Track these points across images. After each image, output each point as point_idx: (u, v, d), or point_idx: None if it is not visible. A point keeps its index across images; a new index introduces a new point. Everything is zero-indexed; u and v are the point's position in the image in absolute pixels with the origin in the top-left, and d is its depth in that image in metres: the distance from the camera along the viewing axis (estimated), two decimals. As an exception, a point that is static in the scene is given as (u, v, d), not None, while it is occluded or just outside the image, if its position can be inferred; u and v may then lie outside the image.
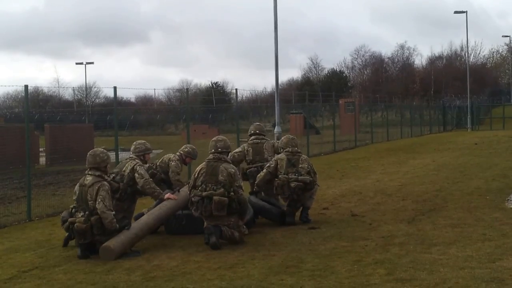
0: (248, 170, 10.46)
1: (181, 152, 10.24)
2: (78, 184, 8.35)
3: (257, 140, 10.66)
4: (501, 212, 9.76)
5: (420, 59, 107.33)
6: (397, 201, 11.51)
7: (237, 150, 10.75)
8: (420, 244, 7.73)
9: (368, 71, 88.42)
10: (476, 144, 26.13)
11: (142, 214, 9.12)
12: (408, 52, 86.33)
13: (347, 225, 9.40)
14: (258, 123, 11.27)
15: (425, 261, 6.85)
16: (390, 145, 30.24)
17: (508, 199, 10.92)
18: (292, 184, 9.55)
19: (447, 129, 50.61)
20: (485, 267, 6.44)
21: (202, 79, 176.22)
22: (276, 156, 10.04)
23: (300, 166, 9.77)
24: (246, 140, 11.00)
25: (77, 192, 8.25)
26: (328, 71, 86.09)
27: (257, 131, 10.77)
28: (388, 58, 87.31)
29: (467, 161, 18.39)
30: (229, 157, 10.37)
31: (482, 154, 20.76)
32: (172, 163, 9.94)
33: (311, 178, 9.74)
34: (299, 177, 9.62)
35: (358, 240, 8.23)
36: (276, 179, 9.71)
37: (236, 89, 23.44)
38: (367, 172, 17.06)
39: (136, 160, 9.26)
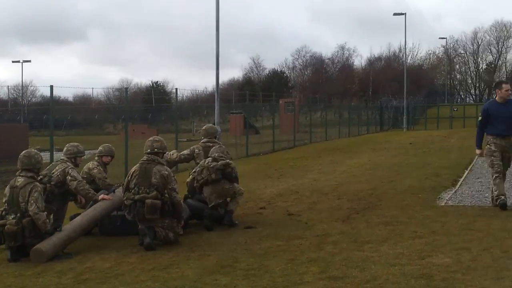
0: None
1: (96, 156, 10.24)
2: (8, 186, 8.15)
3: (210, 143, 10.53)
4: (433, 210, 10.00)
5: (359, 60, 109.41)
6: (333, 200, 11.65)
7: (185, 152, 10.55)
8: (353, 242, 7.85)
9: (308, 71, 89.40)
10: (411, 143, 26.71)
11: (78, 215, 8.98)
12: (348, 53, 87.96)
13: (283, 224, 9.45)
14: (211, 125, 11.23)
15: (357, 258, 6.95)
16: (328, 145, 30.60)
17: (439, 197, 11.21)
18: (211, 165, 9.44)
19: (383, 129, 51.50)
20: (415, 264, 6.58)
21: (142, 78, 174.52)
22: (202, 162, 9.81)
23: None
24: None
25: (7, 194, 8.03)
26: (269, 71, 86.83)
27: (210, 135, 10.67)
28: (328, 59, 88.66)
29: (402, 161, 18.76)
30: (175, 157, 10.26)
31: (416, 154, 21.23)
32: (94, 171, 9.91)
33: (230, 160, 9.81)
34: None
35: (293, 239, 8.29)
36: (198, 168, 9.63)
37: (176, 89, 23.43)
38: (305, 172, 17.21)
39: (68, 163, 9.12)
